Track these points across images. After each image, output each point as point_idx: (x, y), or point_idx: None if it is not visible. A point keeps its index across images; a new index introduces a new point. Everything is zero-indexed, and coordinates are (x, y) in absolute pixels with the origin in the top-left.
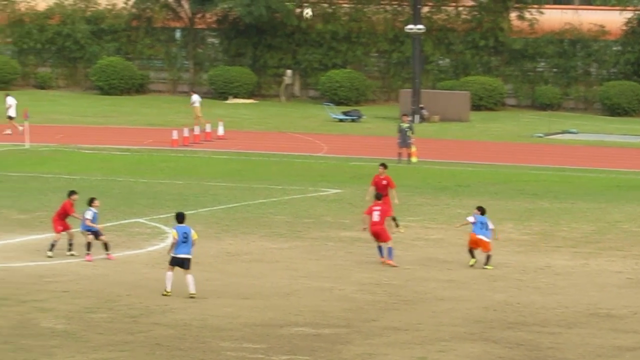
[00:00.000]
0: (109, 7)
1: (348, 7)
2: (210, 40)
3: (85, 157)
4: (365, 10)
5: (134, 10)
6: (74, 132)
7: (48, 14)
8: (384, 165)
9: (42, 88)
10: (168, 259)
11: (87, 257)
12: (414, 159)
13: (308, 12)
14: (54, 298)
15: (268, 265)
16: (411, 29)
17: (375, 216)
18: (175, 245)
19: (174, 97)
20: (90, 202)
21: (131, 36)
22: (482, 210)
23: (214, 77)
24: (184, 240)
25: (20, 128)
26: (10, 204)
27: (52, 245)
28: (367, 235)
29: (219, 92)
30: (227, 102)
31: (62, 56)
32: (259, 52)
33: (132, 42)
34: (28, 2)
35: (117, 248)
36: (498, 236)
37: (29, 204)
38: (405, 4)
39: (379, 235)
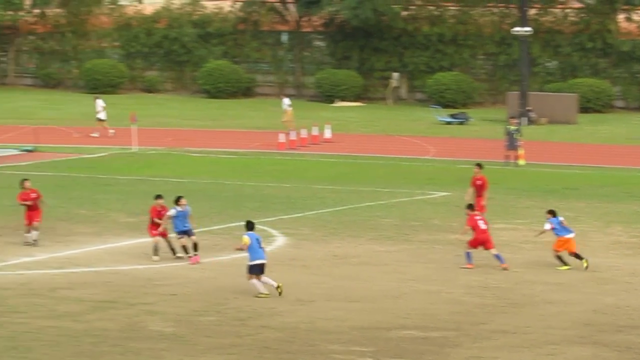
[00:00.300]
0: (215, 10)
1: (455, 10)
2: (317, 43)
3: (193, 160)
4: (472, 12)
5: (240, 13)
6: (182, 136)
7: (155, 17)
8: (479, 165)
9: (150, 91)
10: (245, 266)
11: (192, 260)
12: (521, 162)
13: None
14: (162, 301)
15: (376, 268)
16: (518, 31)
17: (482, 225)
18: (250, 251)
19: (280, 100)
20: (177, 200)
21: (238, 39)
22: (553, 213)
23: (321, 80)
24: (259, 246)
25: (111, 131)
26: (119, 208)
27: (156, 249)
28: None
29: (325, 95)
30: (334, 105)
31: (169, 60)
32: (366, 55)
33: (239, 46)
34: (135, 6)
35: (224, 251)
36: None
37: (137, 207)
38: (512, 6)
39: (487, 243)
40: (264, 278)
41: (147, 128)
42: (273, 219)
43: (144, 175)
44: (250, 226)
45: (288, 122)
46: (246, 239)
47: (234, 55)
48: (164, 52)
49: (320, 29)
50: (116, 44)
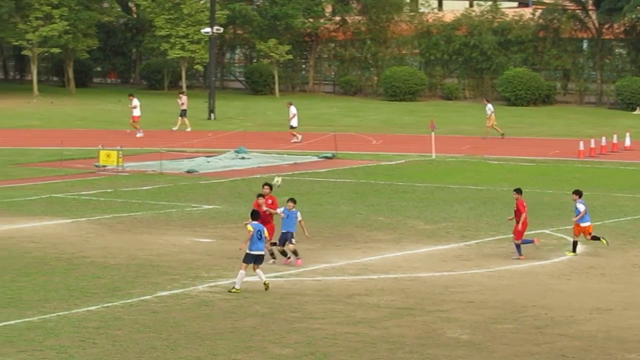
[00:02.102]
0: (515, 18)
1: None
2: (618, 50)
3: (491, 167)
4: None
5: (540, 21)
6: (480, 143)
7: (455, 25)
8: None
9: (449, 99)
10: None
11: (285, 261)
12: None
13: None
14: (459, 308)
15: None
16: None
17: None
18: (250, 241)
19: (580, 108)
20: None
21: (538, 47)
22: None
23: (621, 88)
24: (259, 237)
25: (294, 140)
26: (416, 215)
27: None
28: None
29: (626, 103)
30: (635, 112)
31: (468, 67)
32: None
33: (539, 53)
34: (435, 14)
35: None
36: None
37: (435, 215)
38: None
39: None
40: (257, 271)
41: (445, 135)
42: (571, 227)
43: (441, 182)
44: (254, 216)
45: (491, 128)
46: (250, 227)
47: (534, 62)
48: (463, 59)
49: (622, 36)
50: (416, 51)
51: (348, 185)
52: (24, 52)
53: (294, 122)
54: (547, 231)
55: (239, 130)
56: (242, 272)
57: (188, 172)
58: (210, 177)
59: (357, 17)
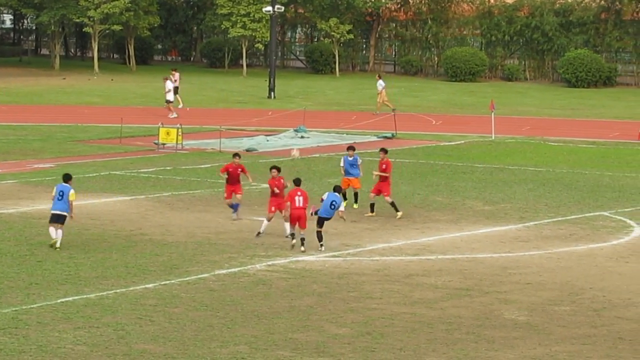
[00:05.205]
0: None
1: None
2: None
3: (551, 149)
4: None
5: (602, 2)
6: (540, 124)
7: (517, 5)
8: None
9: (509, 80)
10: None
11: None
12: None
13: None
14: (516, 290)
15: None
16: None
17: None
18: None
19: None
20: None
21: (600, 29)
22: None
23: None
24: (59, 198)
25: (173, 115)
26: (475, 196)
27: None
28: None
29: None
30: None
31: (529, 48)
32: None
33: (601, 35)
34: None
35: (580, 241)
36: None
37: (494, 195)
38: None
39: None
40: (59, 231)
41: (505, 116)
42: (631, 209)
43: (501, 163)
44: (65, 178)
45: (381, 103)
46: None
47: (595, 44)
48: (525, 40)
49: None
50: (477, 32)
51: (407, 165)
52: (86, 29)
53: (170, 97)
54: (606, 213)
55: (299, 110)
56: (50, 228)
57: (247, 150)
58: (269, 156)
59: None
